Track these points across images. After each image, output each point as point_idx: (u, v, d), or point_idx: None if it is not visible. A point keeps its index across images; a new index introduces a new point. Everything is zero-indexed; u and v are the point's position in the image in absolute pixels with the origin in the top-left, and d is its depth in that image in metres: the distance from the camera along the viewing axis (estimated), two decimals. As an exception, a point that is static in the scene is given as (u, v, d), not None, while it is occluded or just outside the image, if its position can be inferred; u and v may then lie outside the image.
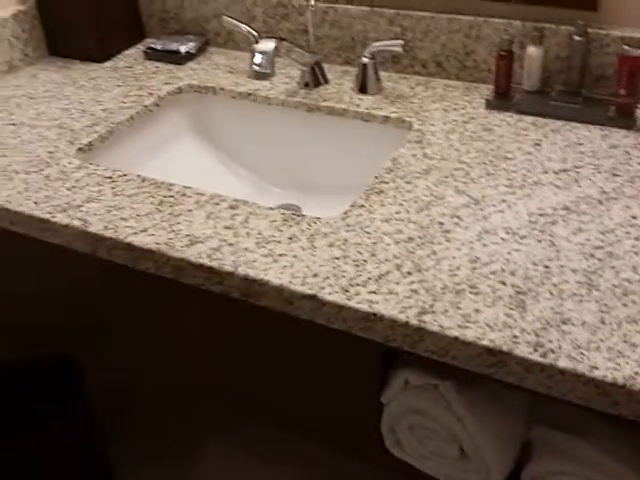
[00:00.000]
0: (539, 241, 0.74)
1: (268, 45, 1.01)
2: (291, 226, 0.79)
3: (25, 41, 1.23)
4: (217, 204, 0.84)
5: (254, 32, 1.13)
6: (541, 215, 0.78)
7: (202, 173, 1.14)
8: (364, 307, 0.67)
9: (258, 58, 1.00)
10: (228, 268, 0.73)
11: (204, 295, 0.78)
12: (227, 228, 0.79)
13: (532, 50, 0.98)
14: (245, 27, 1.13)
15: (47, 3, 1.22)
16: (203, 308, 0.87)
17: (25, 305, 1.07)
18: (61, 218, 0.83)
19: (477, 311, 0.65)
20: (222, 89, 1.13)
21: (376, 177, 0.88)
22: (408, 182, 0.86)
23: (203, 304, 0.86)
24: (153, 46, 1.24)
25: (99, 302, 0.98)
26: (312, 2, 1.08)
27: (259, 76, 1.01)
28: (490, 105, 1.01)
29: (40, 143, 0.99)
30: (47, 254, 0.93)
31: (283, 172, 1.14)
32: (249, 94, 1.11)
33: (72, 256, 0.85)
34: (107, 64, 1.24)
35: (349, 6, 1.12)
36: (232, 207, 0.84)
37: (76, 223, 0.82)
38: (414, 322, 0.65)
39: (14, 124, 1.05)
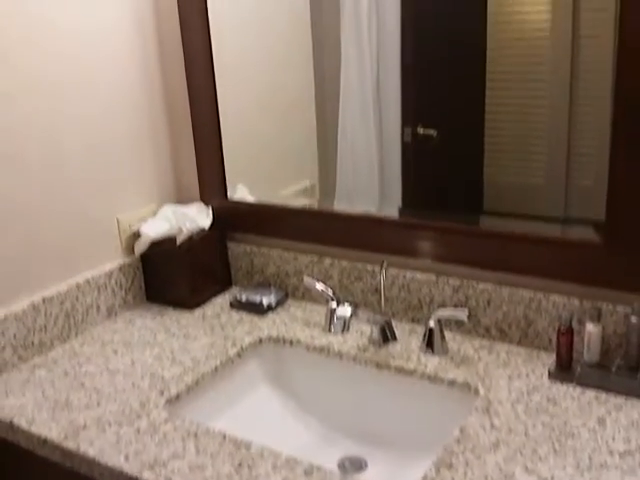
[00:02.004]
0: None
1: (345, 312, 1.12)
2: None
3: (126, 289, 1.39)
4: (292, 469, 0.89)
5: (330, 294, 1.25)
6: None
7: (274, 420, 1.20)
8: None
9: (335, 324, 1.11)
10: None
11: None
12: (303, 498, 0.83)
13: (591, 327, 1.05)
14: (321, 287, 1.26)
15: (150, 257, 1.40)
16: None
17: None
18: (148, 475, 0.89)
19: None
20: (298, 342, 1.24)
21: (445, 448, 0.91)
22: (477, 457, 0.89)
23: None
24: (238, 297, 1.37)
25: None
26: (383, 275, 1.20)
27: (334, 334, 1.12)
28: (553, 376, 1.06)
29: (133, 393, 1.09)
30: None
31: (351, 424, 1.18)
32: (323, 349, 1.21)
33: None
34: (197, 312, 1.38)
35: (417, 273, 1.24)
36: (306, 473, 0.88)
37: (162, 482, 0.87)
38: None
39: (110, 371, 1.16)
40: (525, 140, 1.76)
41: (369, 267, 1.30)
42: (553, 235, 1.14)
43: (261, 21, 1.53)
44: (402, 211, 1.45)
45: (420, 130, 1.59)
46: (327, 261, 1.35)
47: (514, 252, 1.15)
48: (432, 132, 1.60)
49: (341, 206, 1.62)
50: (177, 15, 1.39)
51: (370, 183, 1.65)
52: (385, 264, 1.19)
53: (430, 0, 1.58)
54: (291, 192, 1.60)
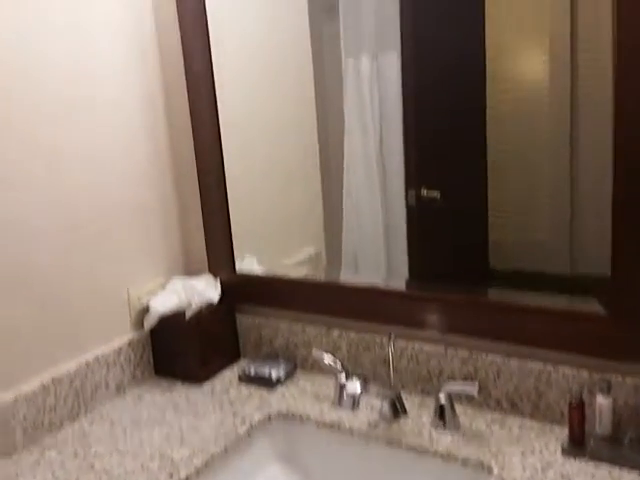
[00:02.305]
0: None
1: (355, 388, 1.12)
2: None
3: (135, 365, 1.40)
4: None
5: (339, 367, 1.25)
6: None
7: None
8: None
9: (345, 400, 1.11)
10: None
11: None
12: None
13: (601, 399, 1.05)
14: (330, 360, 1.26)
15: (159, 331, 1.41)
16: None
17: None
18: None
19: None
20: (308, 418, 1.23)
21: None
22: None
23: None
24: (247, 370, 1.37)
25: None
26: (392, 347, 1.20)
27: (344, 409, 1.11)
28: (566, 452, 1.05)
29: (142, 475, 1.08)
30: None
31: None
32: (333, 425, 1.20)
33: None
34: (205, 386, 1.37)
35: (425, 344, 1.24)
36: None
37: None
38: None
39: (120, 452, 1.15)
40: (528, 196, 1.78)
41: (377, 338, 1.30)
42: (559, 307, 1.14)
43: (266, 90, 1.58)
44: (409, 282, 1.46)
45: (424, 192, 1.62)
46: (335, 332, 1.35)
47: (521, 323, 1.15)
48: (436, 194, 1.63)
49: (348, 274, 1.63)
50: (185, 88, 1.43)
51: (376, 246, 1.67)
52: (393, 336, 1.20)
53: (430, 67, 1.62)
54: (298, 259, 1.61)
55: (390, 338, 1.20)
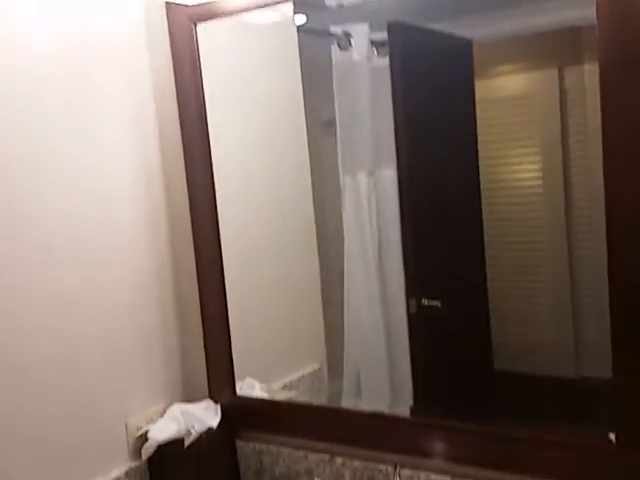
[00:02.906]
0: None
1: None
2: None
3: (133, 486, 1.35)
4: None
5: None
6: None
7: None
8: None
9: None
10: None
11: None
12: None
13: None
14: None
15: (157, 459, 1.37)
16: None
17: None
18: None
19: None
20: None
21: None
22: None
23: None
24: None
25: None
26: (398, 478, 1.17)
27: None
28: None
29: None
30: None
31: None
32: None
33: None
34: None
35: (431, 474, 1.21)
36: None
37: None
38: None
39: None
40: (529, 300, 1.78)
41: (382, 467, 1.26)
42: (565, 438, 1.12)
43: (267, 209, 1.61)
44: (414, 408, 1.44)
45: (425, 302, 1.62)
46: (338, 460, 1.31)
47: (528, 453, 1.12)
48: (436, 303, 1.62)
49: (351, 393, 1.61)
50: (189, 217, 1.46)
51: (378, 360, 1.65)
52: (398, 468, 1.16)
53: (426, 180, 1.66)
54: (299, 375, 1.59)
55: (396, 468, 1.16)
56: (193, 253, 1.46)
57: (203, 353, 1.48)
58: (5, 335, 1.16)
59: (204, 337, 1.47)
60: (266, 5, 1.26)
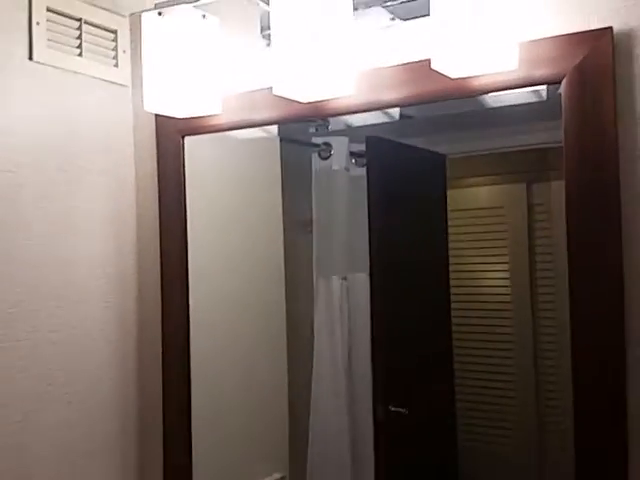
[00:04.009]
0: None
1: None
2: None
3: None
4: None
5: None
6: None
7: None
8: None
9: None
10: None
11: None
12: None
13: None
14: None
15: None
16: None
17: None
18: None
19: None
20: None
21: None
22: None
23: None
24: None
25: None
26: None
27: None
28: None
29: None
30: None
31: None
32: None
33: None
34: None
35: None
36: None
37: None
38: None
39: None
40: (497, 407, 1.79)
41: None
42: None
43: (238, 313, 1.62)
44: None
45: (392, 408, 1.62)
46: None
47: None
48: (404, 410, 1.63)
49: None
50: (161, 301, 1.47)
51: (342, 468, 1.64)
52: None
53: (397, 287, 1.70)
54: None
55: None
56: (160, 363, 1.47)
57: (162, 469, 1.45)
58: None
59: (164, 451, 1.45)
60: (252, 125, 1.32)
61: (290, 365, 1.68)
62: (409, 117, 1.49)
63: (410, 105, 1.27)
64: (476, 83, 1.08)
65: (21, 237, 1.26)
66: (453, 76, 1.06)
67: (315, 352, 1.68)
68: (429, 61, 1.03)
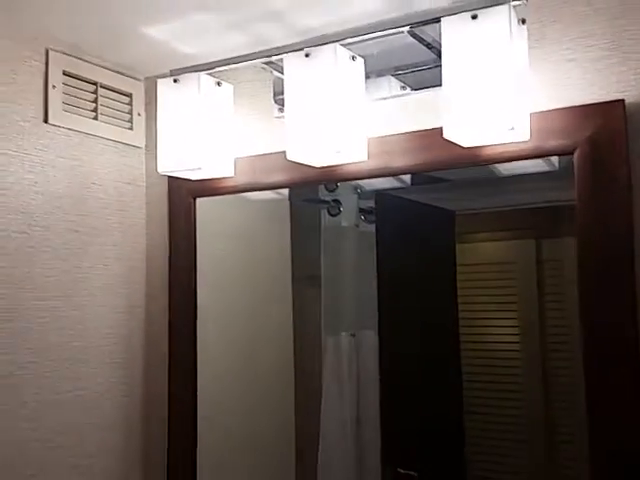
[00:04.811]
0: None
1: None
2: None
3: None
4: None
5: None
6: None
7: None
8: None
9: None
10: None
11: None
12: None
13: None
14: None
15: None
16: None
17: None
18: None
19: None
20: None
21: None
22: None
23: None
24: None
25: None
26: None
27: None
28: None
29: None
30: None
31: None
32: None
33: None
34: None
35: None
36: None
37: None
38: None
39: None
40: (508, 470, 1.74)
41: None
42: None
43: (245, 369, 1.61)
44: None
45: (401, 471, 1.59)
46: None
47: None
48: (413, 473, 1.59)
49: None
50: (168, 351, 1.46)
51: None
52: None
53: (407, 344, 1.68)
54: None
55: None
56: (166, 427, 1.45)
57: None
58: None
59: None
60: (264, 188, 1.34)
61: (297, 424, 1.66)
62: (419, 182, 1.50)
63: (421, 172, 1.28)
64: (488, 152, 1.09)
65: (32, 298, 1.26)
66: (465, 145, 1.07)
67: (322, 411, 1.66)
68: (441, 129, 1.04)
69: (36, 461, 1.25)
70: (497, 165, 1.19)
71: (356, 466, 1.64)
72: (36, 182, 1.28)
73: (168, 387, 1.44)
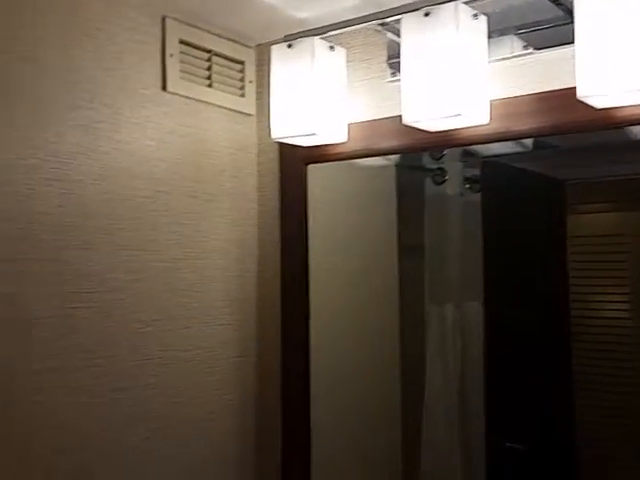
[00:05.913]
0: None
1: None
2: None
3: None
4: None
5: None
6: None
7: None
8: None
9: None
10: None
11: None
12: None
13: None
14: None
15: None
16: None
17: None
18: None
19: None
20: None
21: None
22: None
23: None
24: None
25: None
26: None
27: None
28: None
29: None
30: None
31: None
32: None
33: None
34: None
35: None
36: None
37: None
38: None
39: None
40: (619, 443, 1.68)
41: None
42: None
43: (353, 340, 1.62)
44: None
45: (507, 444, 1.56)
46: None
47: None
48: (520, 446, 1.56)
49: None
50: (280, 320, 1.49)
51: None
52: None
53: (513, 317, 1.64)
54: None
55: None
56: (279, 388, 1.48)
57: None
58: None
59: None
60: (378, 154, 1.32)
61: (402, 393, 1.66)
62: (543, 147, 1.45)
63: (546, 136, 1.23)
64: (622, 114, 1.03)
65: (156, 260, 1.31)
66: (599, 106, 1.01)
67: (427, 380, 1.65)
68: (571, 90, 0.99)
69: (158, 416, 1.31)
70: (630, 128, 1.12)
71: (459, 440, 1.63)
72: (158, 149, 1.33)
73: (282, 348, 1.48)
